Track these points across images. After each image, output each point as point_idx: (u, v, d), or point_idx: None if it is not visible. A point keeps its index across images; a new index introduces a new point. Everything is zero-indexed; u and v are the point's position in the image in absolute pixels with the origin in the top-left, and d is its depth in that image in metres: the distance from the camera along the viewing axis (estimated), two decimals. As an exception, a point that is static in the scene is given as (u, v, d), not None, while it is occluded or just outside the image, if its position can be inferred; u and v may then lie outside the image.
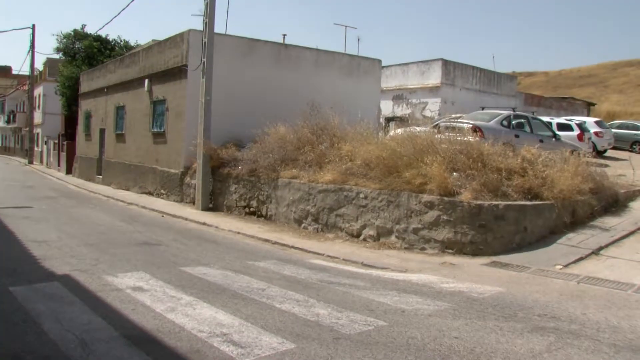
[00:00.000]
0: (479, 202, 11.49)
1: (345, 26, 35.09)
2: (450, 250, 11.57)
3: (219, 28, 19.44)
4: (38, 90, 54.18)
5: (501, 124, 17.07)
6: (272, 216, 16.54)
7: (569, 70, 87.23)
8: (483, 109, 20.28)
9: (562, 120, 25.48)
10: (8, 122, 70.61)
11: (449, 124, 16.63)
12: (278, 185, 16.23)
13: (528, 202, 12.03)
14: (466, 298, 8.11)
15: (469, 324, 6.77)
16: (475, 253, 11.32)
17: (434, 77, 30.90)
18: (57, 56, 43.61)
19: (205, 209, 18.98)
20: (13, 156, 67.79)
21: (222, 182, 18.97)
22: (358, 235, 13.50)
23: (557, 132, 19.70)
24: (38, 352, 5.74)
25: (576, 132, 23.64)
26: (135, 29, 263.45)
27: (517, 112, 18.66)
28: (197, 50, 19.59)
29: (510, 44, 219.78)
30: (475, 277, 9.67)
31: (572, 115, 34.30)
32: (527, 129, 17.86)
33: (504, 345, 5.98)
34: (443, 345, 5.99)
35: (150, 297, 7.92)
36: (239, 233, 14.72)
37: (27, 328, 6.50)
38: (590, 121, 28.00)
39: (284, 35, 28.62)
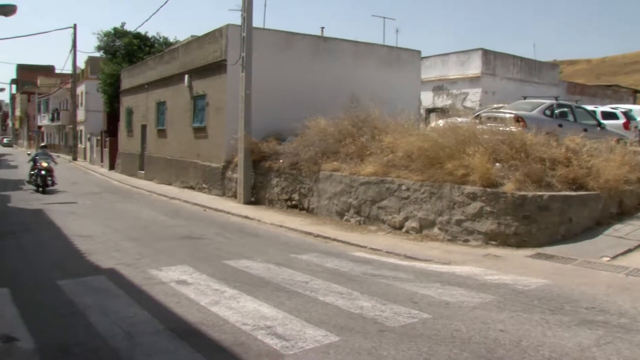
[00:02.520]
0: (522, 192, 11.34)
1: (384, 18, 34.95)
2: (493, 242, 11.45)
3: (256, 22, 19.54)
4: (80, 88, 55.00)
5: (544, 113, 16.77)
6: (314, 209, 16.56)
7: (613, 57, 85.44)
8: (525, 98, 19.94)
9: (606, 108, 24.88)
10: (52, 120, 71.80)
11: (490, 114, 16.49)
12: (319, 178, 16.24)
13: (573, 193, 11.85)
14: (511, 290, 8.02)
15: (514, 316, 6.70)
16: (519, 244, 11.18)
17: (474, 67, 30.54)
18: (98, 54, 44.33)
19: (247, 202, 19.09)
20: (58, 153, 68.80)
21: (263, 175, 19.04)
22: (400, 228, 13.44)
23: (602, 121, 19.26)
24: (86, 344, 5.85)
25: (622, 120, 23.06)
26: (173, 26, 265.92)
27: (560, 101, 18.32)
28: (236, 44, 19.67)
29: (551, 32, 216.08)
30: (520, 268, 9.56)
31: (617, 103, 33.46)
32: (571, 118, 17.53)
33: (551, 339, 5.89)
34: (488, 338, 5.94)
35: (194, 290, 8.01)
36: (281, 226, 14.77)
37: (75, 321, 6.62)
38: (636, 109, 27.27)
39: (322, 28, 28.63)
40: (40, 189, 22.76)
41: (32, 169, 23.84)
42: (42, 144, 30.20)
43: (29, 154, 26.59)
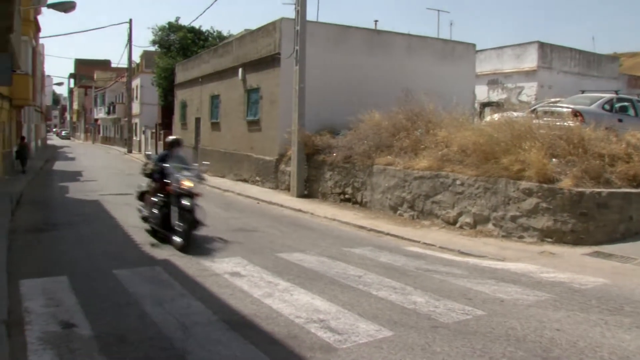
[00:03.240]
0: (580, 189, 11.12)
1: (438, 10, 34.59)
2: (549, 239, 11.26)
3: (310, 15, 19.49)
4: (135, 82, 55.78)
5: (603, 107, 16.39)
6: (367, 203, 16.53)
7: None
8: (583, 92, 19.54)
9: (671, 103, 24.15)
10: (108, 113, 73.16)
11: (547, 108, 16.18)
12: (373, 172, 16.20)
13: (633, 190, 11.55)
14: (567, 289, 7.88)
15: (571, 316, 6.59)
16: (576, 242, 10.97)
17: (530, 61, 30.01)
18: (153, 48, 44.82)
19: (300, 195, 19.15)
20: (113, 145, 70.29)
21: (316, 169, 19.08)
22: (454, 223, 13.33)
23: (666, 116, 18.73)
24: (142, 333, 5.97)
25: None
26: (227, 20, 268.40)
27: (620, 95, 17.86)
28: (290, 38, 19.72)
29: (611, 23, 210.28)
30: (577, 267, 9.38)
31: (681, 97, 32.50)
32: (632, 112, 17.07)
33: (610, 340, 5.77)
34: (544, 337, 5.86)
35: (247, 282, 8.09)
36: (334, 220, 14.78)
37: (131, 310, 6.77)
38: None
39: (376, 21, 28.45)
40: (179, 239, 10.50)
41: (156, 190, 11.75)
42: (172, 138, 13.01)
43: (147, 156, 13.90)
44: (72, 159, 43.94)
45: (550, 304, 7.09)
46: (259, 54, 23.22)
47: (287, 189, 20.21)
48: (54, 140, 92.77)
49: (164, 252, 10.13)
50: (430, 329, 6.07)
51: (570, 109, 15.31)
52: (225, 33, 42.48)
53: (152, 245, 10.95)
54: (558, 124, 13.22)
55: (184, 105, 35.11)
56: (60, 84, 79.51)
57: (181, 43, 40.60)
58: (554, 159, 12.06)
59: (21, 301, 7.00)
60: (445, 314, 6.60)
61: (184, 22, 44.04)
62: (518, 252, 10.70)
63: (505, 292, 7.64)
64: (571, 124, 13.22)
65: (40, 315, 6.47)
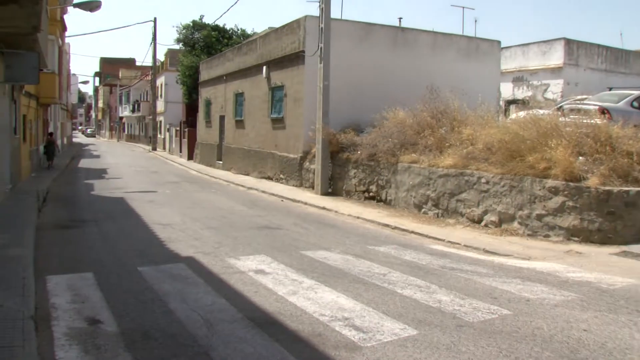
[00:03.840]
0: (607, 187, 10.97)
1: (463, 7, 34.24)
2: (575, 238, 11.14)
3: (334, 13, 19.47)
4: (160, 80, 56.02)
5: (631, 105, 16.16)
6: (392, 201, 16.48)
7: None
8: (610, 89, 19.31)
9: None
10: (133, 111, 73.65)
11: (573, 106, 16.02)
12: (397, 170, 16.14)
13: (662, 189, 11.38)
14: (595, 289, 7.79)
15: (598, 316, 6.51)
16: (603, 241, 10.83)
17: (556, 58, 29.70)
18: (177, 47, 45.07)
19: (325, 193, 19.14)
20: (138, 143, 70.77)
21: (341, 166, 19.06)
22: (479, 221, 13.24)
23: (696, 113, 18.39)
24: (166, 330, 6.02)
25: None
26: (251, 17, 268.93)
27: (649, 93, 17.62)
28: (314, 36, 19.71)
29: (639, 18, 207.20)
30: (604, 267, 9.27)
31: None
32: (661, 110, 16.83)
33: (640, 342, 5.69)
34: (571, 337, 5.80)
35: (272, 280, 8.11)
36: (358, 218, 14.76)
37: (155, 307, 6.82)
38: None
39: (400, 18, 28.31)
40: None
41: None
42: None
43: None
44: (97, 156, 44.37)
45: (578, 304, 7.02)
46: (284, 51, 23.25)
47: (311, 186, 20.22)
48: (79, 138, 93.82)
49: (189, 250, 10.19)
50: (455, 328, 6.05)
51: (597, 107, 15.14)
52: (249, 31, 42.59)
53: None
54: (585, 121, 13.06)
55: (208, 103, 35.25)
56: (85, 82, 79.76)
57: (205, 41, 40.74)
58: (580, 157, 11.93)
59: (48, 297, 7.10)
60: (471, 313, 6.56)
61: (208, 20, 44.18)
62: (544, 251, 10.60)
63: (531, 292, 7.58)
64: (598, 122, 13.06)
65: (66, 311, 6.55)
